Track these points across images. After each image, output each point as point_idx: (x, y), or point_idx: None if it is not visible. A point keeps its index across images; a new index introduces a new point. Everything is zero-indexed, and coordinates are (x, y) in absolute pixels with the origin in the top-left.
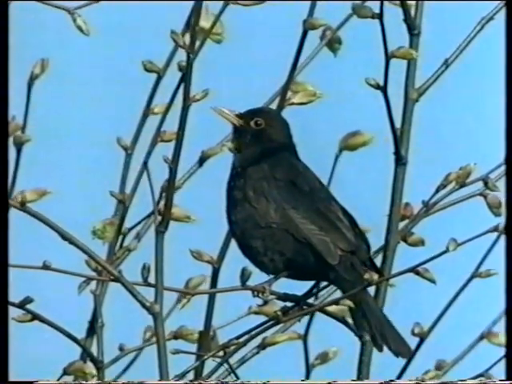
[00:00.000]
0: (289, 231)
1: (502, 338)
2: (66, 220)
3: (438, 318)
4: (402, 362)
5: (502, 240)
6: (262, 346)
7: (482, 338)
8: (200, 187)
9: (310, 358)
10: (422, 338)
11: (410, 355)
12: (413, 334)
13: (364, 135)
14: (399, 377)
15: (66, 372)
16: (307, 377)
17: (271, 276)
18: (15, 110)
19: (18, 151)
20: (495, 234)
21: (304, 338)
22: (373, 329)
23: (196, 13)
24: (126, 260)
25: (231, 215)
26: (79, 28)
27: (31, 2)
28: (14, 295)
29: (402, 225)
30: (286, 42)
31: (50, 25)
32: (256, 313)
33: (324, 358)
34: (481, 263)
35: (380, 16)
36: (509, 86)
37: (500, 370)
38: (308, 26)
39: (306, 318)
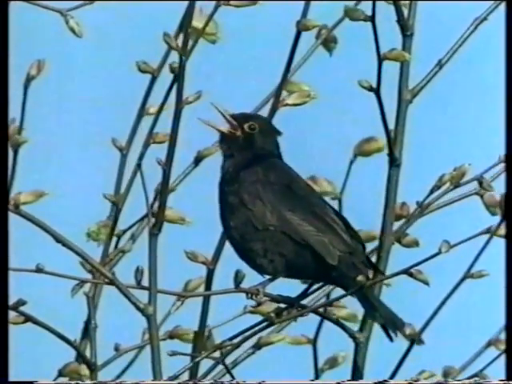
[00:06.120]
0: (287, 233)
1: None
2: (62, 221)
3: (429, 319)
4: (394, 362)
5: (494, 241)
6: (258, 347)
7: (489, 344)
8: (194, 188)
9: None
10: (414, 339)
11: (418, 337)
12: (404, 335)
13: (378, 141)
14: (392, 376)
15: (61, 373)
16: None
17: (266, 277)
18: (11, 111)
19: (15, 152)
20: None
21: (313, 342)
22: (384, 318)
23: (188, 15)
24: (121, 261)
25: (229, 221)
26: (72, 30)
27: (25, 3)
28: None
29: (396, 225)
30: (281, 42)
31: (45, 25)
32: (252, 312)
33: (333, 362)
34: (472, 265)
35: (372, 19)
36: (507, 84)
37: (496, 372)
38: (301, 28)
39: (315, 322)
